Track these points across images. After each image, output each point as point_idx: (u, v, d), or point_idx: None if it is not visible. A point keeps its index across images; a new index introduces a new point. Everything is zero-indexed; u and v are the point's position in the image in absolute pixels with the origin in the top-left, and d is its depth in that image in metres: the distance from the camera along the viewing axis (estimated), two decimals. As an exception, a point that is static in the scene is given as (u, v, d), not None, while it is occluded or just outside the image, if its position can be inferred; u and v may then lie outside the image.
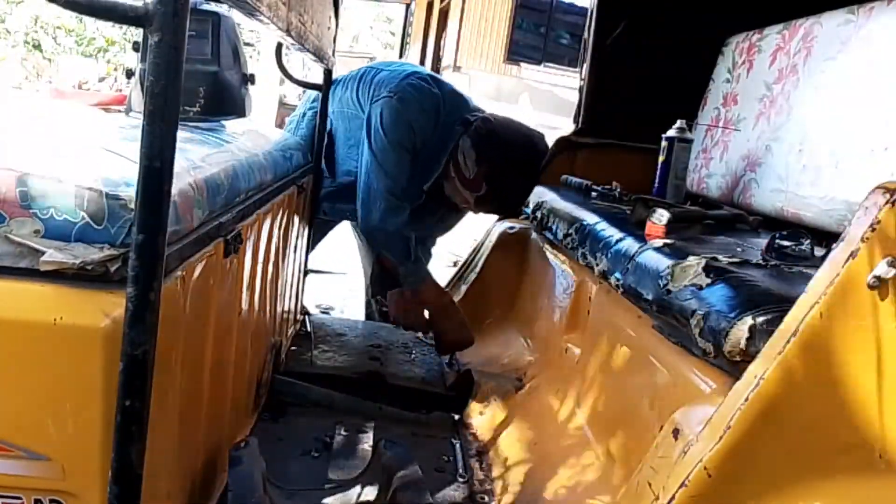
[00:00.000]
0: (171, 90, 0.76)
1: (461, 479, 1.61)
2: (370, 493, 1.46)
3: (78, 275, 0.83)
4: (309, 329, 2.31)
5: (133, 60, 1.63)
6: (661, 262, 1.38)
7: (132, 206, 0.82)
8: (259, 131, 1.96)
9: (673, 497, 0.86)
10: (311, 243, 2.40)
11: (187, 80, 0.78)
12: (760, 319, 1.04)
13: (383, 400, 1.90)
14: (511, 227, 2.60)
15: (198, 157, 1.22)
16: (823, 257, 0.88)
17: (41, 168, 0.87)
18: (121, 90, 9.77)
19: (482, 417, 1.91)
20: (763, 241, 1.45)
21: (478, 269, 2.61)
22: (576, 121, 2.88)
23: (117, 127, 1.39)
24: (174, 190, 0.81)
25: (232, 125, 1.75)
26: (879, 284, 0.81)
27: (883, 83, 1.64)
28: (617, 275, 1.55)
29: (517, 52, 15.01)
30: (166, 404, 0.98)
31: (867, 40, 1.73)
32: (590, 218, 1.90)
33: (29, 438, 0.84)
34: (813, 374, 0.84)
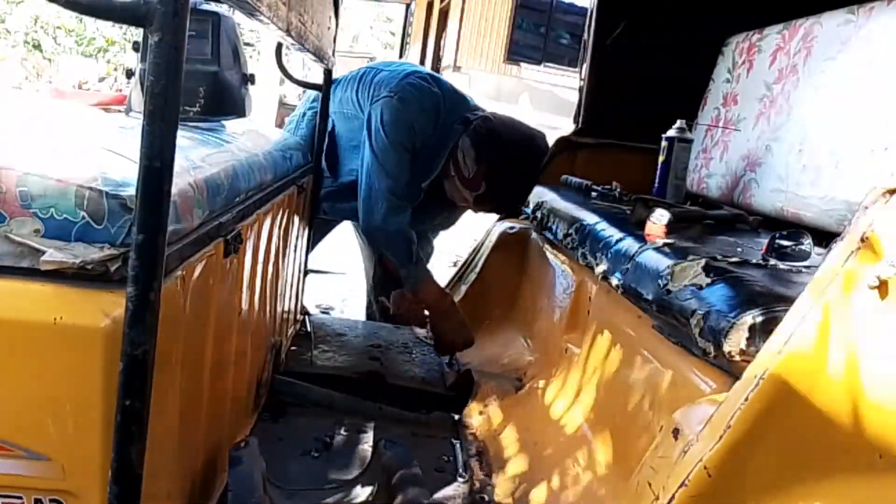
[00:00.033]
0: (171, 90, 0.76)
1: (461, 479, 1.61)
2: (370, 493, 1.46)
3: (78, 274, 0.83)
4: (309, 329, 2.31)
5: (133, 60, 1.63)
6: (661, 262, 1.38)
7: (132, 206, 0.82)
8: (259, 131, 1.96)
9: (673, 497, 0.86)
10: (312, 243, 2.40)
11: (187, 80, 0.78)
12: (760, 319, 1.04)
13: (383, 400, 1.90)
14: (511, 227, 2.60)
15: (198, 157, 1.22)
16: (823, 257, 0.88)
17: (41, 168, 0.87)
18: (121, 90, 9.77)
19: (482, 417, 1.91)
20: (763, 241, 1.45)
21: (478, 269, 2.61)
22: (576, 121, 2.88)
23: (117, 127, 1.39)
24: (174, 190, 0.81)
25: (232, 125, 1.75)
26: (879, 284, 0.81)
27: (883, 83, 1.64)
28: (617, 275, 1.55)
29: (517, 52, 15.01)
30: (166, 404, 0.98)
31: (867, 40, 1.73)
32: (590, 218, 1.90)
33: (29, 438, 0.84)
34: (813, 375, 0.84)
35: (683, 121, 2.20)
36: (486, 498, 1.55)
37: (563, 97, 10.34)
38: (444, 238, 2.74)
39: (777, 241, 1.39)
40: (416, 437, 1.79)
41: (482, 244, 2.70)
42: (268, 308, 1.72)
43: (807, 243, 1.38)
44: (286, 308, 2.04)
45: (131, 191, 0.84)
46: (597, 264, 1.69)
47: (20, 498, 0.85)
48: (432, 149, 2.18)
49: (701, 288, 1.22)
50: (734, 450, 0.84)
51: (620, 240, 1.64)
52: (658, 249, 1.47)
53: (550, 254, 2.25)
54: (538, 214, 2.28)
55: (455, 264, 3.18)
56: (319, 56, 1.89)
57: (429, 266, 2.67)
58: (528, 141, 2.16)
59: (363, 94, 2.25)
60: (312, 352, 2.15)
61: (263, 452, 1.38)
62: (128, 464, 0.82)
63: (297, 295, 2.26)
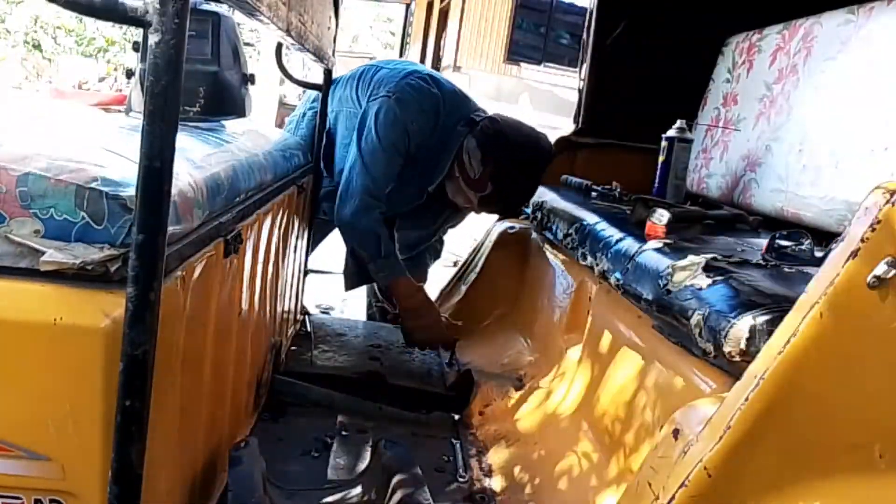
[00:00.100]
0: (171, 90, 0.76)
1: (461, 479, 1.61)
2: (370, 493, 1.46)
3: (78, 275, 0.83)
4: (309, 329, 2.31)
5: (133, 60, 1.63)
6: (661, 262, 1.38)
7: (132, 206, 0.82)
8: (259, 131, 1.95)
9: (673, 497, 0.86)
10: (312, 243, 2.40)
11: (187, 80, 0.78)
12: (760, 319, 1.04)
13: (383, 400, 1.90)
14: (511, 227, 2.60)
15: (198, 157, 1.22)
16: (823, 257, 0.88)
17: (41, 168, 0.87)
18: (121, 90, 9.78)
19: (482, 417, 1.91)
20: (763, 241, 1.45)
21: (478, 269, 2.61)
22: (576, 121, 2.89)
23: (117, 127, 1.39)
24: (174, 190, 0.81)
25: (232, 125, 1.75)
26: (879, 284, 0.81)
27: (883, 83, 1.64)
28: (617, 275, 1.55)
29: (517, 52, 15.01)
30: (166, 404, 0.98)
31: (867, 40, 1.73)
32: (590, 218, 1.90)
33: (29, 438, 0.84)
34: (813, 374, 0.84)
35: (683, 121, 2.20)
36: (486, 498, 1.55)
37: (563, 97, 10.34)
38: (444, 238, 2.73)
39: (777, 241, 1.39)
40: (416, 437, 1.79)
41: (482, 244, 2.70)
42: (268, 308, 1.72)
43: (807, 243, 1.38)
44: (286, 308, 2.04)
45: (131, 191, 0.84)
46: (597, 264, 1.69)
47: (20, 498, 0.85)
48: (433, 151, 2.17)
49: (701, 288, 1.22)
50: (734, 450, 0.84)
51: (620, 240, 1.64)
52: (658, 249, 1.47)
53: (550, 254, 2.25)
54: (538, 214, 2.28)
55: (455, 264, 3.18)
56: (319, 56, 1.89)
57: (431, 265, 2.67)
58: (534, 142, 2.16)
59: (363, 91, 2.24)
60: (312, 352, 2.15)
61: (263, 452, 1.38)
62: (128, 464, 0.82)
63: (297, 295, 2.26)
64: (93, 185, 0.87)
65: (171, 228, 0.84)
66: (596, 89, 2.82)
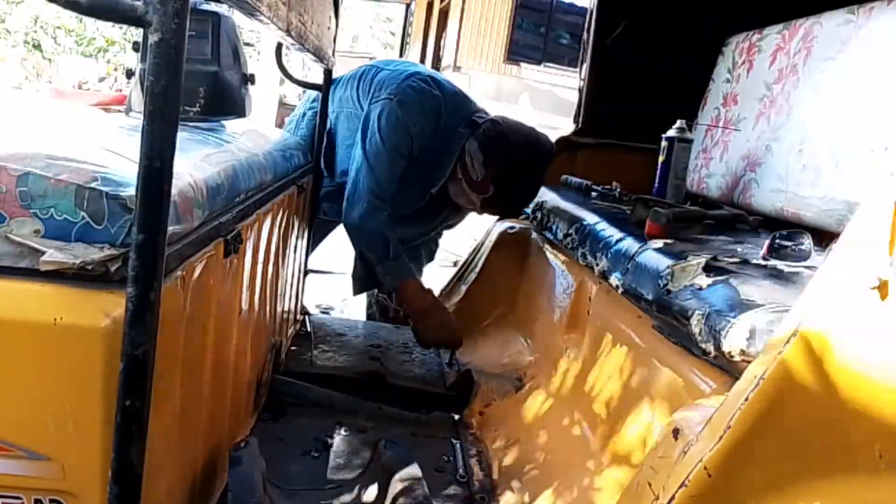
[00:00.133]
0: (171, 90, 0.76)
1: (461, 479, 1.61)
2: (370, 493, 1.46)
3: (78, 275, 0.83)
4: (309, 329, 2.31)
5: (133, 60, 1.63)
6: (661, 262, 1.38)
7: (132, 206, 0.82)
8: (259, 131, 1.96)
9: (673, 497, 0.86)
10: (312, 243, 2.40)
11: (187, 80, 0.78)
12: (760, 319, 1.04)
13: (383, 400, 1.90)
14: (511, 227, 2.61)
15: (198, 157, 1.22)
16: (823, 257, 0.88)
17: (41, 168, 0.87)
18: (121, 90, 9.79)
19: (482, 417, 1.91)
20: (763, 241, 1.45)
21: (478, 269, 2.61)
22: (576, 121, 2.89)
23: (117, 127, 1.39)
24: (174, 190, 0.81)
25: (232, 125, 1.75)
26: (879, 284, 0.81)
27: (883, 83, 1.64)
28: (617, 275, 1.55)
29: (517, 52, 15.01)
30: (166, 404, 0.98)
31: (867, 40, 1.73)
32: (590, 218, 1.90)
33: (29, 438, 0.84)
34: (813, 374, 0.84)
35: (683, 121, 2.20)
36: (486, 498, 1.55)
37: (563, 97, 10.34)
38: (445, 238, 2.74)
39: (777, 241, 1.38)
40: (416, 437, 1.79)
41: (482, 244, 2.70)
42: (268, 308, 1.72)
43: (807, 243, 1.38)
44: (286, 308, 2.04)
45: (131, 191, 0.84)
46: (597, 264, 1.69)
47: (20, 498, 0.85)
48: (435, 152, 2.17)
49: (701, 288, 1.22)
50: (734, 450, 0.84)
51: (620, 240, 1.64)
52: (658, 249, 1.47)
53: (550, 254, 2.25)
54: (538, 214, 2.28)
55: (455, 264, 3.18)
56: (319, 56, 1.89)
57: (429, 266, 2.67)
58: (535, 144, 2.16)
59: (363, 92, 2.24)
60: (312, 352, 2.15)
61: (263, 452, 1.38)
62: (128, 464, 0.82)
63: (297, 295, 2.26)
64: (93, 185, 0.87)
65: (171, 228, 0.84)
66: (596, 89, 2.82)
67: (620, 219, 1.84)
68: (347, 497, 1.47)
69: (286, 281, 1.97)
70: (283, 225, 1.78)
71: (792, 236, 1.40)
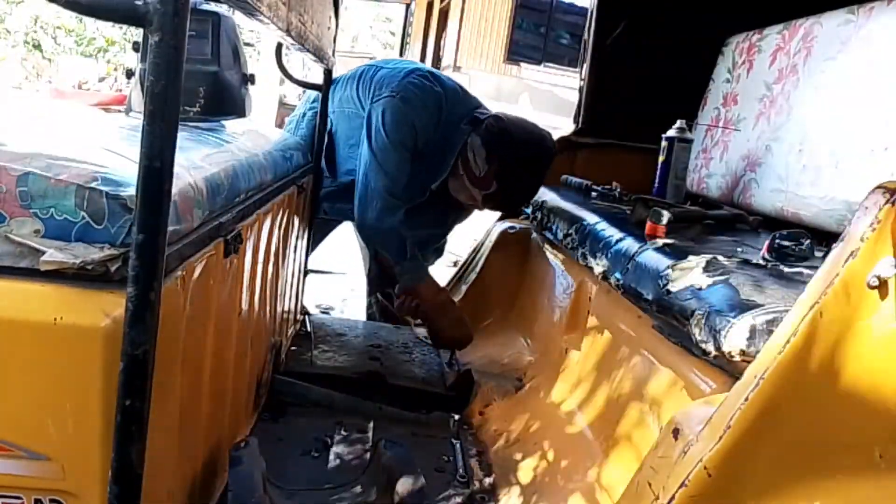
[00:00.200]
0: (171, 90, 0.76)
1: (461, 479, 1.61)
2: (370, 493, 1.46)
3: (78, 275, 0.83)
4: (309, 329, 2.31)
5: (133, 60, 1.63)
6: (661, 262, 1.38)
7: (132, 206, 0.82)
8: (259, 131, 1.96)
9: (673, 497, 0.86)
10: (312, 243, 2.40)
11: (187, 80, 0.78)
12: (760, 319, 1.04)
13: (383, 400, 1.90)
14: (511, 227, 2.61)
15: (198, 157, 1.22)
16: (823, 257, 0.88)
17: (41, 168, 0.87)
18: (121, 90, 9.79)
19: (482, 417, 1.91)
20: (763, 241, 1.45)
21: (478, 269, 2.61)
22: (576, 121, 2.89)
23: (117, 127, 1.39)
24: (174, 190, 0.81)
25: (232, 125, 1.75)
26: (879, 284, 0.81)
27: (883, 83, 1.64)
28: (617, 275, 1.55)
29: (517, 52, 15.01)
30: (166, 404, 0.98)
31: (867, 40, 1.73)
32: (590, 218, 1.90)
33: (29, 438, 0.84)
34: (813, 374, 0.84)
35: (683, 121, 2.20)
36: (486, 498, 1.55)
37: (563, 97, 10.34)
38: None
39: (777, 241, 1.39)
40: (416, 437, 1.79)
41: (482, 244, 2.70)
42: (268, 308, 1.72)
43: (807, 243, 1.38)
44: (286, 308, 2.04)
45: (131, 191, 0.84)
46: (597, 264, 1.69)
47: (20, 498, 0.85)
48: (436, 148, 2.17)
49: (701, 288, 1.22)
50: (734, 450, 0.84)
51: (620, 240, 1.64)
52: (658, 249, 1.47)
53: (550, 254, 2.25)
54: (538, 214, 2.28)
55: (455, 264, 3.18)
56: (319, 56, 1.89)
57: (433, 264, 2.67)
58: (538, 140, 2.17)
59: (364, 92, 2.25)
60: (312, 352, 2.15)
61: (263, 452, 1.38)
62: (128, 464, 0.82)
63: (297, 295, 2.26)
64: (93, 184, 0.87)
65: (171, 228, 0.84)
66: (596, 89, 2.82)
67: (620, 219, 1.84)
68: (347, 497, 1.47)
69: (286, 281, 1.97)
70: (283, 225, 1.78)
71: (792, 236, 1.40)
